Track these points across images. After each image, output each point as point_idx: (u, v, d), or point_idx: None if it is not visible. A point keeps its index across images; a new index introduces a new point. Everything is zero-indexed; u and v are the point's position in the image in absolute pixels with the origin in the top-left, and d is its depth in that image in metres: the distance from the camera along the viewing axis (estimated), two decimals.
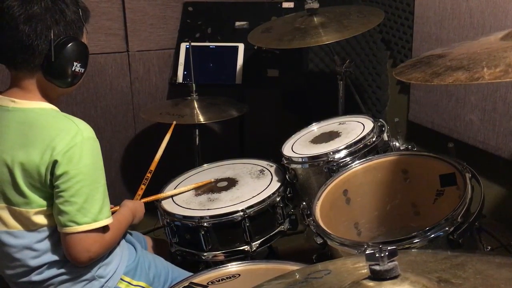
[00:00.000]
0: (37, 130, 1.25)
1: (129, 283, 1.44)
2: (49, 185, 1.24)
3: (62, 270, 1.32)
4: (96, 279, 1.37)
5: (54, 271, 1.32)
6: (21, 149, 1.24)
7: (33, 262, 1.30)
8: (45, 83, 1.29)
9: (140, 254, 1.52)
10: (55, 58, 1.24)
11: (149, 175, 1.78)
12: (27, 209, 1.26)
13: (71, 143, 1.22)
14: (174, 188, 1.82)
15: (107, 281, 1.39)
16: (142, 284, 1.46)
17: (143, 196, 1.71)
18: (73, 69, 1.28)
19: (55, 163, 1.21)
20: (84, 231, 1.25)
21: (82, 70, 1.32)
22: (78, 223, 1.24)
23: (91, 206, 1.25)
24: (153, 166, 1.81)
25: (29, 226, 1.28)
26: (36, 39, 1.23)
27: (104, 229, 1.31)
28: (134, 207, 1.56)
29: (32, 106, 1.29)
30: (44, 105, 1.30)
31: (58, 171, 1.22)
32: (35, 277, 1.31)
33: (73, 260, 1.28)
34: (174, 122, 2.02)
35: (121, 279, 1.43)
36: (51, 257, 1.31)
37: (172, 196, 1.77)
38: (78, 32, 1.31)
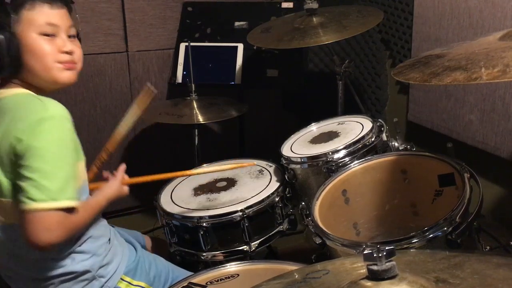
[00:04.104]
0: (9, 114, 1.24)
1: (129, 283, 1.43)
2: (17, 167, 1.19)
3: (63, 269, 1.32)
4: (97, 278, 1.37)
5: (54, 270, 1.31)
6: None
7: (33, 260, 1.29)
8: (17, 76, 1.28)
9: (140, 254, 1.52)
10: None
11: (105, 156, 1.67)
12: (12, 200, 1.22)
13: (34, 120, 1.18)
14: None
15: (107, 280, 1.39)
16: (142, 284, 1.46)
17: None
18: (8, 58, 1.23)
19: (18, 141, 1.17)
20: (43, 210, 1.17)
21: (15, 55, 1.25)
22: (33, 200, 1.16)
23: (50, 184, 1.17)
24: (112, 145, 1.70)
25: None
26: None
27: (69, 211, 1.22)
28: (111, 191, 1.50)
29: (8, 93, 1.28)
30: (20, 91, 1.29)
31: (21, 148, 1.17)
32: (35, 275, 1.31)
33: (31, 242, 1.17)
34: (153, 89, 1.82)
35: (121, 279, 1.42)
36: (51, 255, 1.30)
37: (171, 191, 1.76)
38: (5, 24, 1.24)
